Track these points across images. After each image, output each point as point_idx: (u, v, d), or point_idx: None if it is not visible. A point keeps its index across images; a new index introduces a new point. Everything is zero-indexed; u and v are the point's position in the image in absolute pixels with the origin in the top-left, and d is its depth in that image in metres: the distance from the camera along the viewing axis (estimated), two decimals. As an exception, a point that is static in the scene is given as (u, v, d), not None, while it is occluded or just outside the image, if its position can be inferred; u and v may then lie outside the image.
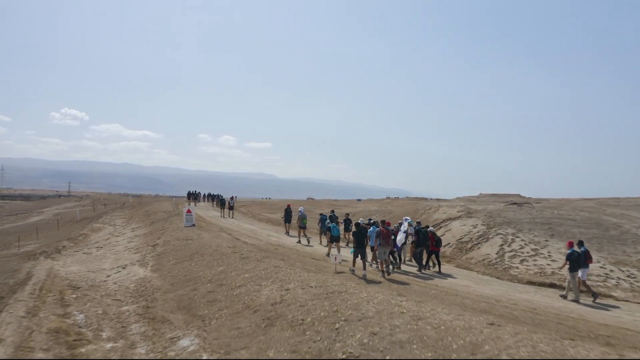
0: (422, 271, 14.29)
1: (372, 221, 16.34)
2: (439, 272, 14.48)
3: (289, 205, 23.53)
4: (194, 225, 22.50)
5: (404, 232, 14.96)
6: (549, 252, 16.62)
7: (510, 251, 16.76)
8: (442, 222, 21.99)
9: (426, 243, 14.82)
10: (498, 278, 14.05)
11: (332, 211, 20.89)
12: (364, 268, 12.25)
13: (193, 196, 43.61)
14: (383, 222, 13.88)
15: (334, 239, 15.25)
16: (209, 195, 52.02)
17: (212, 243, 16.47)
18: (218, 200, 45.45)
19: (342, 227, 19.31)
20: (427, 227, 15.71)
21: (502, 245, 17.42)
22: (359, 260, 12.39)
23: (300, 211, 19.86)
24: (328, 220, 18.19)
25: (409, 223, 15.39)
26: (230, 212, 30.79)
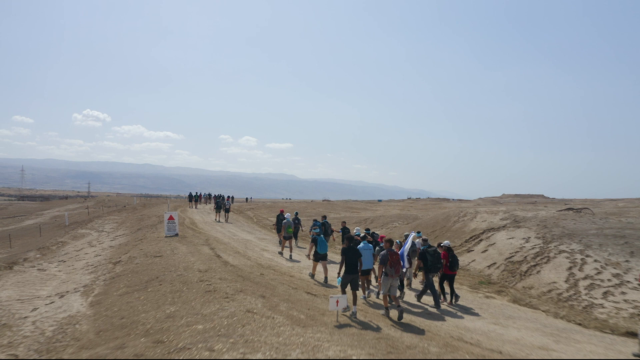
0: (447, 304, 10.20)
1: (368, 232, 12.32)
2: (452, 302, 10.61)
3: (282, 211, 19.61)
4: (176, 234, 18.69)
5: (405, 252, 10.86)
6: (636, 279, 12.04)
7: (585, 278, 12.23)
8: (482, 232, 17.52)
9: (437, 266, 10.68)
10: (580, 324, 9.58)
11: (324, 217, 17.05)
12: (354, 302, 8.40)
13: (194, 198, 40.12)
14: (373, 236, 10.04)
15: (319, 257, 11.55)
16: (210, 195, 48.95)
17: (182, 263, 12.54)
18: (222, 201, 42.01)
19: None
20: (440, 244, 11.46)
21: (570, 268, 12.89)
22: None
23: (286, 218, 16.08)
24: (318, 230, 14.39)
25: (423, 239, 11.21)
26: (226, 215, 27.36)
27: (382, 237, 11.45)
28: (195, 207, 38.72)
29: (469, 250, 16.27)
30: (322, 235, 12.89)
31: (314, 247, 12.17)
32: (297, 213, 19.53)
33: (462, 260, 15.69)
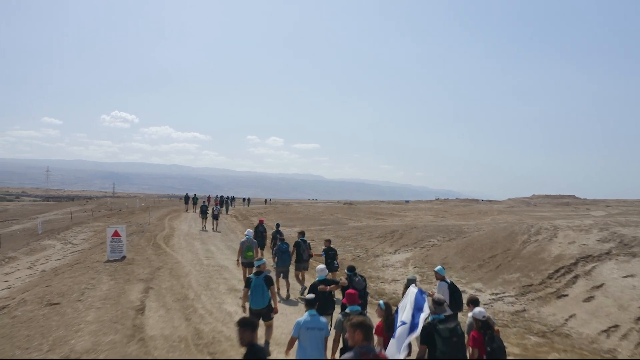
0: None
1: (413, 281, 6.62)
2: None
3: (261, 222, 14.22)
4: (124, 257, 13.29)
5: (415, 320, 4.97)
6: None
7: None
8: (574, 263, 11.27)
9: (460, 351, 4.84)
10: None
11: (302, 233, 11.78)
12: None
13: (193, 200, 34.88)
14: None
15: (253, 313, 6.45)
16: (223, 198, 44.59)
17: (64, 328, 7.02)
18: (226, 203, 37.07)
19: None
20: (472, 310, 5.56)
21: None
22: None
23: (247, 235, 11.08)
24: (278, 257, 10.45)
25: (435, 302, 5.26)
26: (214, 222, 22.87)
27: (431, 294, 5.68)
28: (194, 212, 33.87)
29: (559, 296, 10.09)
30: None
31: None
32: (278, 225, 13.87)
33: (551, 313, 9.57)
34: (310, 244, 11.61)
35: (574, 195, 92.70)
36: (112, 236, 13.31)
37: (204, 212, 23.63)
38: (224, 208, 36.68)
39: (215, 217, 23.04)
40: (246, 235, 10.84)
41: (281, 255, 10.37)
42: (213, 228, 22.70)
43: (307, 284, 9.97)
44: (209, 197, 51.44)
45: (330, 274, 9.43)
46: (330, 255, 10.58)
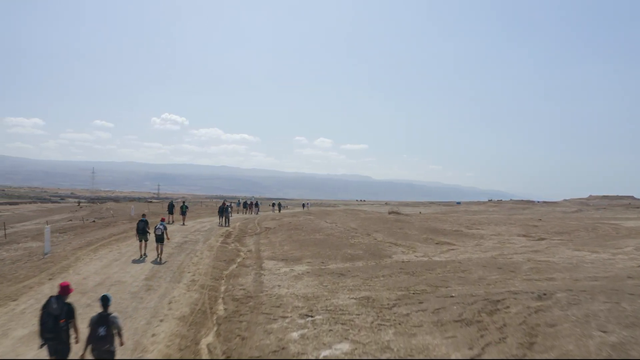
0: None
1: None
2: None
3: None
4: None
5: None
6: None
7: None
8: None
9: None
10: None
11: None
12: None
13: (182, 209, 26.30)
14: None
15: None
16: (246, 204, 43.39)
17: None
18: (225, 212, 28.33)
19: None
20: None
21: None
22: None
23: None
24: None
25: None
26: (159, 247, 15.15)
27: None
28: (181, 224, 25.22)
29: None
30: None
31: None
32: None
33: None
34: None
35: (632, 196, 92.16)
36: None
37: (142, 232, 15.14)
38: (223, 219, 27.89)
39: (159, 239, 14.35)
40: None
41: None
42: (158, 256, 14.10)
43: None
44: (224, 202, 42.77)
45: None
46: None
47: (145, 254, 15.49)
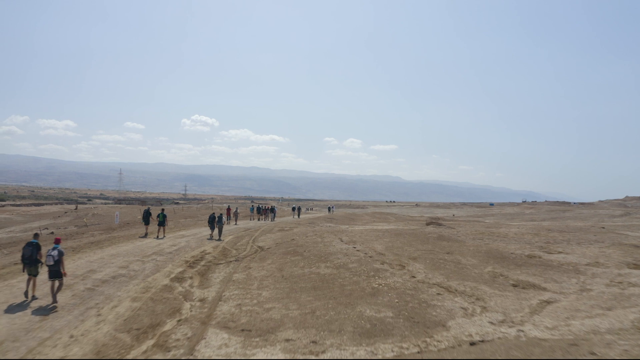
0: None
1: None
2: None
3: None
4: None
5: None
6: None
7: None
8: None
9: None
10: None
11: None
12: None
13: (160, 219, 20.82)
14: None
15: None
16: (260, 209, 41.07)
17: None
18: (219, 222, 22.18)
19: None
20: None
21: None
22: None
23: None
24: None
25: None
26: (53, 286, 8.32)
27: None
28: (156, 238, 19.26)
29: None
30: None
31: None
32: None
33: None
34: None
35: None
36: None
37: (30, 263, 9.65)
38: (215, 231, 22.00)
39: (53, 275, 8.33)
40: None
41: None
42: (52, 301, 7.95)
43: None
44: (228, 209, 36.53)
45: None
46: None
47: (34, 296, 9.47)
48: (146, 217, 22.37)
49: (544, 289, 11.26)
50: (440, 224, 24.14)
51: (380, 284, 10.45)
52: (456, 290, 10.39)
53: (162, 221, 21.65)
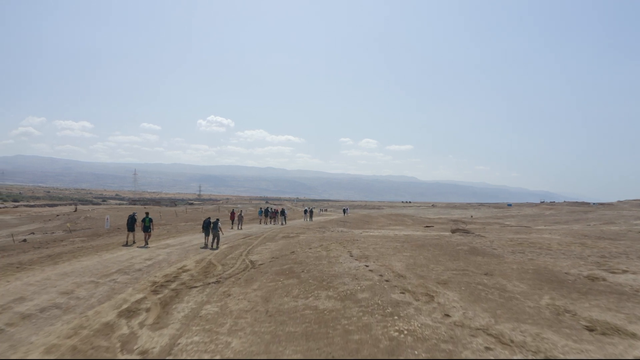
0: None
1: None
2: None
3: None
4: None
5: None
6: None
7: None
8: None
9: None
10: None
11: None
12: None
13: (142, 225, 18.72)
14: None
15: None
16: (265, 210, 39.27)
17: None
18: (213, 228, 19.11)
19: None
20: None
21: None
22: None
23: None
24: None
25: None
26: None
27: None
28: (138, 247, 16.38)
29: None
30: None
31: None
32: None
33: None
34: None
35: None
36: None
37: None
38: (210, 238, 19.49)
39: None
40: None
41: None
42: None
43: None
44: (232, 213, 33.81)
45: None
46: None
47: None
48: (131, 224, 19.63)
49: (634, 336, 7.89)
50: (467, 231, 20.72)
51: (402, 331, 7.24)
52: (512, 342, 7.11)
53: (148, 226, 19.08)
